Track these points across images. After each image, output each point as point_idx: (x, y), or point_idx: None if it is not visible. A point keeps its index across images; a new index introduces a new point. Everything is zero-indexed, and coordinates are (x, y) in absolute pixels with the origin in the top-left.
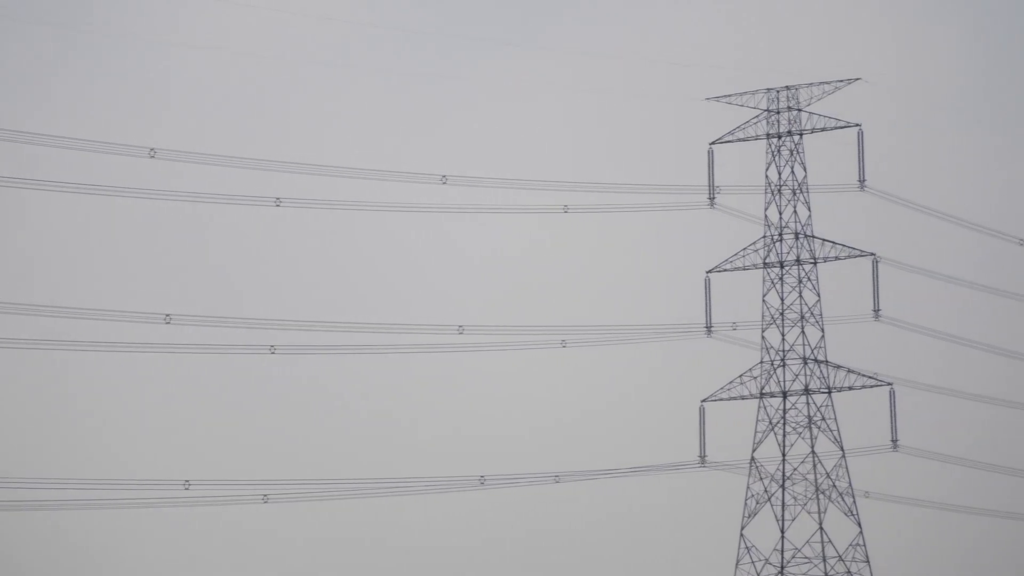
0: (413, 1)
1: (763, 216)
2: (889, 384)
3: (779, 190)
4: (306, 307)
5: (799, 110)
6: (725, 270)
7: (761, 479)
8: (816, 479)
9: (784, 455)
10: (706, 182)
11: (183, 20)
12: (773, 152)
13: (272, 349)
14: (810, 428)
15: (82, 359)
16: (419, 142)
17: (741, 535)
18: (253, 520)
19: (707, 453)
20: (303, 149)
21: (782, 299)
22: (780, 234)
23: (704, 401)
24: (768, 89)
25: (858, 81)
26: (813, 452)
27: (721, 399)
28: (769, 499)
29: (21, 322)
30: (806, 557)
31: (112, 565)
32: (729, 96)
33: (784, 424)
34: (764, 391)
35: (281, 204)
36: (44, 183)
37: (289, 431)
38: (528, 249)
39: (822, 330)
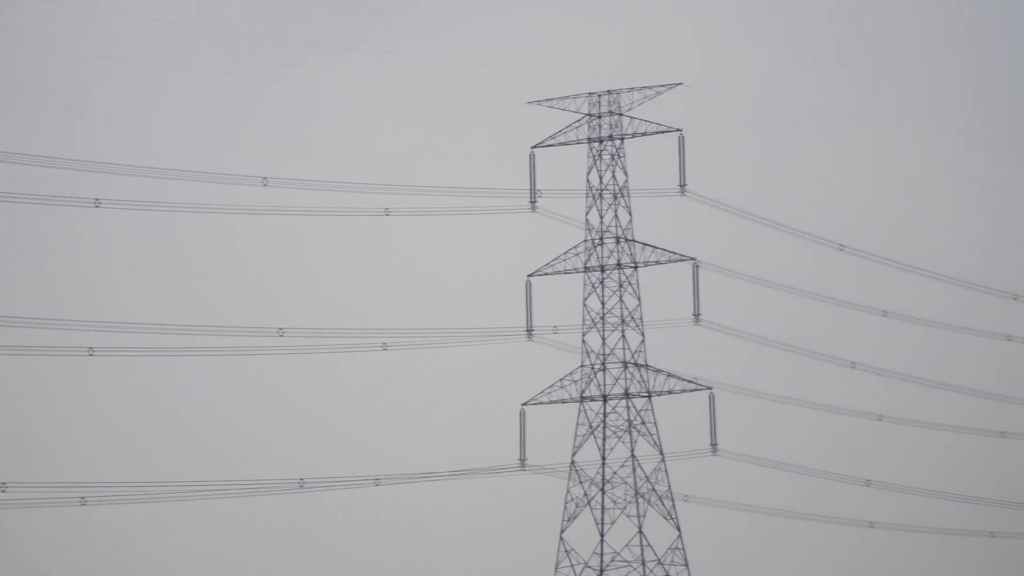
0: (236, 2)
1: (584, 220)
2: (709, 389)
3: (600, 194)
4: (125, 308)
5: (620, 114)
6: (546, 274)
7: (581, 483)
8: (636, 483)
9: (604, 459)
10: (527, 186)
11: (2, 18)
12: (594, 156)
13: (91, 351)
14: (630, 432)
15: None
16: (240, 143)
17: (561, 538)
18: (72, 523)
19: (527, 456)
20: (122, 150)
21: (603, 303)
22: (601, 238)
23: (524, 404)
24: (589, 93)
25: (679, 86)
26: (633, 456)
27: (541, 402)
28: (589, 502)
29: None
30: (625, 560)
31: None
32: (551, 100)
33: (604, 428)
34: (584, 395)
35: (100, 205)
36: None
37: (109, 433)
38: (349, 251)
39: (642, 334)
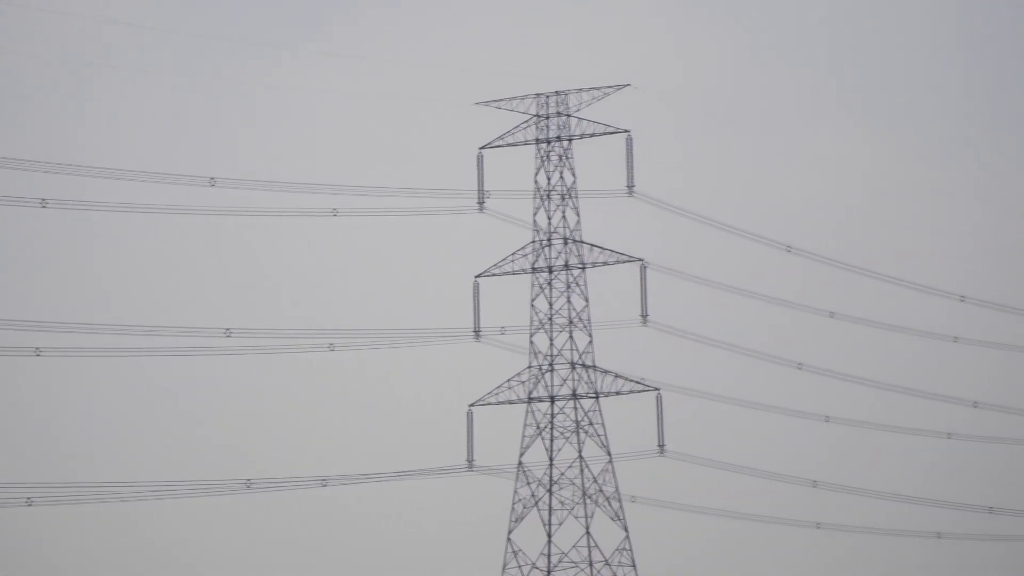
0: (184, 2)
1: (532, 221)
2: (656, 389)
3: (548, 195)
4: (72, 309)
5: (568, 115)
6: (494, 275)
7: (528, 483)
8: (583, 484)
9: (551, 460)
10: (475, 186)
11: None
12: (542, 157)
13: (37, 351)
14: (577, 433)
15: None
16: (188, 144)
17: (508, 539)
18: (19, 523)
19: (475, 457)
20: (69, 150)
21: (550, 304)
22: (549, 239)
23: (472, 405)
24: (537, 94)
25: (627, 87)
26: (581, 457)
27: (489, 403)
28: (536, 503)
29: None
30: (573, 561)
31: None
32: (499, 101)
33: (552, 429)
34: (532, 396)
35: (47, 205)
36: None
37: (56, 433)
38: (296, 252)
39: (590, 335)
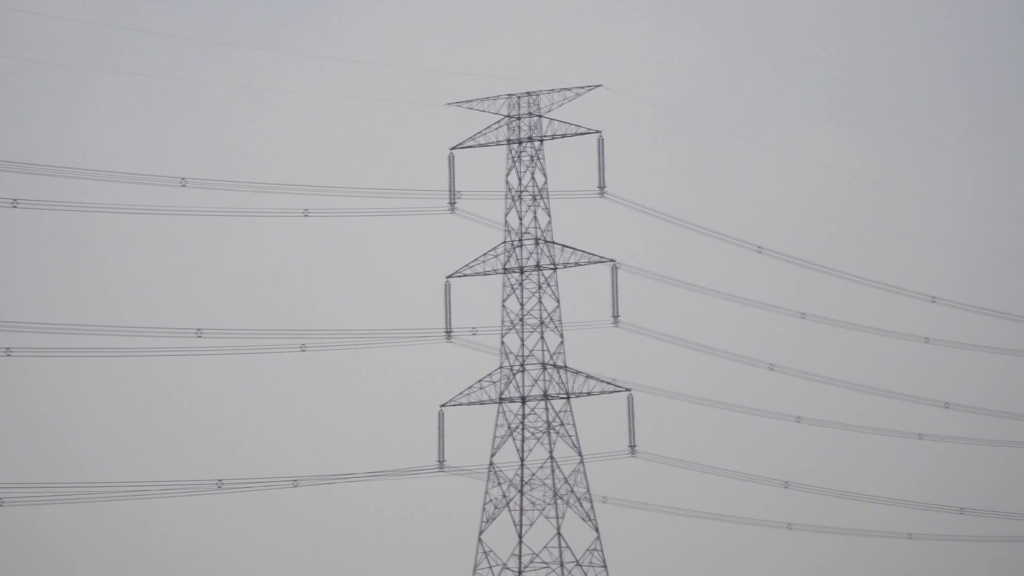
0: (154, 2)
1: (504, 222)
2: (628, 390)
3: (519, 196)
4: (43, 308)
5: (539, 116)
6: (465, 275)
7: (500, 484)
8: (554, 484)
9: (523, 460)
10: (447, 187)
11: None
12: (514, 158)
13: (7, 352)
14: (549, 433)
15: None
16: (159, 144)
17: (479, 540)
18: None
19: (446, 458)
20: (41, 150)
21: (522, 304)
22: (520, 240)
23: (443, 406)
24: (509, 95)
25: (598, 88)
26: (552, 457)
27: (460, 404)
28: (507, 504)
29: None
30: (544, 562)
31: None
32: (470, 101)
33: (523, 429)
34: (503, 396)
35: (18, 205)
36: None
37: (26, 434)
38: (268, 252)
39: (561, 336)
